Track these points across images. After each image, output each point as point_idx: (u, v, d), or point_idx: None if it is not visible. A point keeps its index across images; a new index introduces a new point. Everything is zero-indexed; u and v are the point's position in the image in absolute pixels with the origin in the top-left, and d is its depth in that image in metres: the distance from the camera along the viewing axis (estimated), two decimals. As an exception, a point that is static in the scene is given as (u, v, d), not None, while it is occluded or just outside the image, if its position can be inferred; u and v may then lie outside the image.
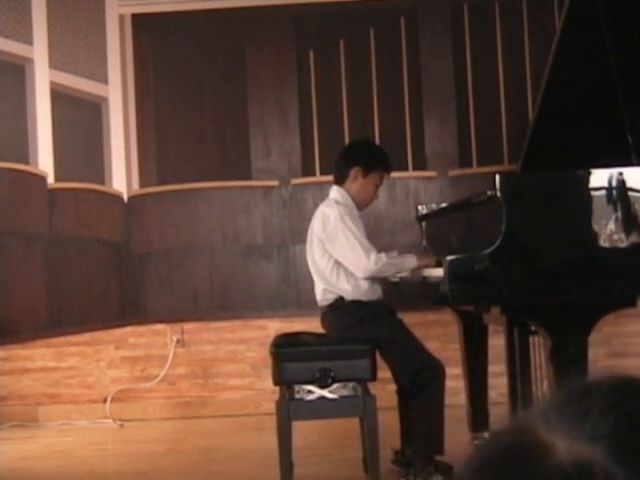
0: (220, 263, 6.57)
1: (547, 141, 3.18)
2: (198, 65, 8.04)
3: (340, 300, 3.62)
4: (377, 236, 5.89)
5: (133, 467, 4.22)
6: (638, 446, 0.53)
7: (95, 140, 7.60)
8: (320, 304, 3.71)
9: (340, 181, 3.72)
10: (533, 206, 2.85)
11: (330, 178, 3.84)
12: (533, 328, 3.15)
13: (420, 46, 7.89)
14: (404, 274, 3.70)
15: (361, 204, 3.73)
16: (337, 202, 3.62)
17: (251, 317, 5.72)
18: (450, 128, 7.84)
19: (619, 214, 2.81)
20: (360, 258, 3.50)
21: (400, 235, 6.26)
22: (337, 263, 3.59)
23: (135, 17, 7.93)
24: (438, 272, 3.11)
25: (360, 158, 3.71)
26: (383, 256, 3.51)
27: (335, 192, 3.70)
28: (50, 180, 6.40)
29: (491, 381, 4.11)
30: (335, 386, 3.40)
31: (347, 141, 7.60)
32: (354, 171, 3.67)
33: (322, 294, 3.67)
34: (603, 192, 2.83)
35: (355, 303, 3.60)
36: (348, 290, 3.60)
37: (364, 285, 3.61)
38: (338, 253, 3.56)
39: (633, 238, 2.82)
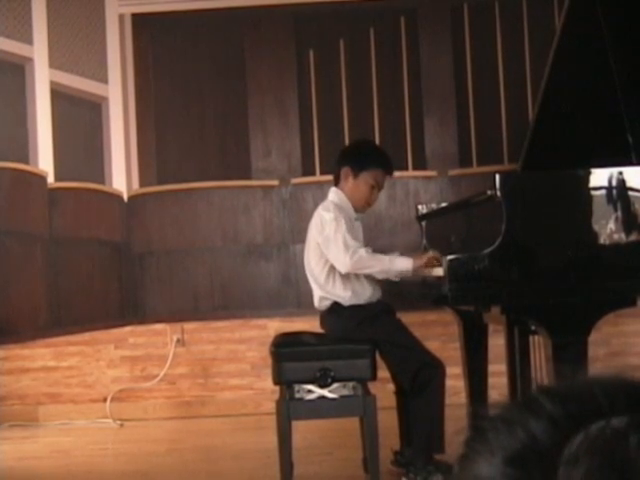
0: (220, 263, 6.57)
1: (547, 141, 3.18)
2: (198, 65, 8.03)
3: (337, 305, 3.60)
4: (377, 236, 5.90)
5: (133, 467, 4.22)
6: None
7: (95, 140, 7.59)
8: (318, 308, 3.69)
9: (336, 182, 3.70)
10: (533, 206, 2.85)
11: (330, 178, 3.83)
12: (533, 328, 3.14)
13: (420, 46, 7.89)
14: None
15: (357, 205, 3.66)
16: (334, 204, 3.60)
17: (251, 317, 5.72)
18: (450, 128, 7.84)
19: (619, 214, 2.81)
20: (339, 253, 3.45)
21: (400, 235, 6.25)
22: (332, 268, 3.55)
23: (135, 17, 7.92)
24: (438, 272, 3.12)
25: (349, 158, 3.67)
26: (362, 251, 3.44)
27: (332, 193, 3.68)
28: (50, 180, 6.40)
29: (491, 381, 4.11)
30: (335, 386, 3.40)
31: (347, 141, 7.60)
32: (344, 171, 3.63)
33: (319, 301, 3.64)
34: (603, 192, 2.83)
35: (353, 307, 3.58)
36: (345, 297, 3.57)
37: (361, 289, 3.58)
38: (326, 249, 3.53)
39: (633, 238, 2.82)
